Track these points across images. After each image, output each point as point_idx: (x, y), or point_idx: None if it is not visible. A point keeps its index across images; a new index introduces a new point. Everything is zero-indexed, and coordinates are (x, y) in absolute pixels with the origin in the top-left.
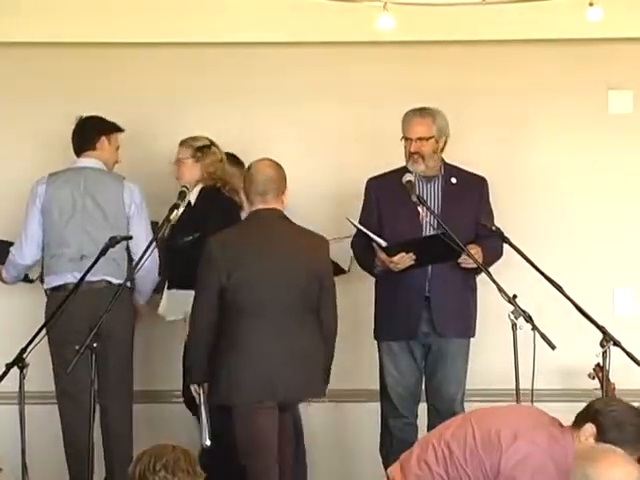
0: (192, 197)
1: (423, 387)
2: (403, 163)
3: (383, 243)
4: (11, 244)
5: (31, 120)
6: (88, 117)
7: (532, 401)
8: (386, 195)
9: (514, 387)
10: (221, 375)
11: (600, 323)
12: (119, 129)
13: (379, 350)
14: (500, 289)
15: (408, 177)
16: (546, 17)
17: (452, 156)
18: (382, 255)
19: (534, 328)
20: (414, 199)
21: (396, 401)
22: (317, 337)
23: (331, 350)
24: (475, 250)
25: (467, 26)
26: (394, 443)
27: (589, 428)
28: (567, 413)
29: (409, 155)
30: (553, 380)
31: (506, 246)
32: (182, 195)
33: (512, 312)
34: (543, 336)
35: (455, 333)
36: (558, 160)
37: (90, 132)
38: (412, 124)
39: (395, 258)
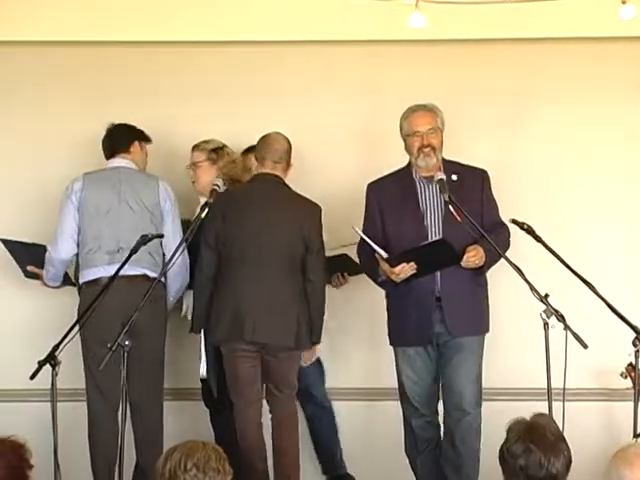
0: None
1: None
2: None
3: (384, 254)
4: (45, 247)
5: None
6: (120, 124)
7: (564, 400)
8: (387, 198)
9: (542, 386)
10: (210, 316)
11: (633, 322)
12: (148, 139)
13: (395, 353)
14: (532, 288)
15: (439, 176)
16: (578, 15)
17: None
18: (384, 266)
19: (566, 327)
20: (446, 199)
21: (415, 402)
22: (296, 295)
23: (318, 308)
24: (475, 252)
25: (495, 24)
26: (418, 442)
27: None
28: (598, 413)
29: (419, 149)
30: (584, 379)
31: (535, 245)
32: (213, 194)
33: (544, 311)
34: (575, 335)
35: (468, 332)
36: (588, 160)
37: (123, 136)
38: (420, 117)
39: (396, 269)
